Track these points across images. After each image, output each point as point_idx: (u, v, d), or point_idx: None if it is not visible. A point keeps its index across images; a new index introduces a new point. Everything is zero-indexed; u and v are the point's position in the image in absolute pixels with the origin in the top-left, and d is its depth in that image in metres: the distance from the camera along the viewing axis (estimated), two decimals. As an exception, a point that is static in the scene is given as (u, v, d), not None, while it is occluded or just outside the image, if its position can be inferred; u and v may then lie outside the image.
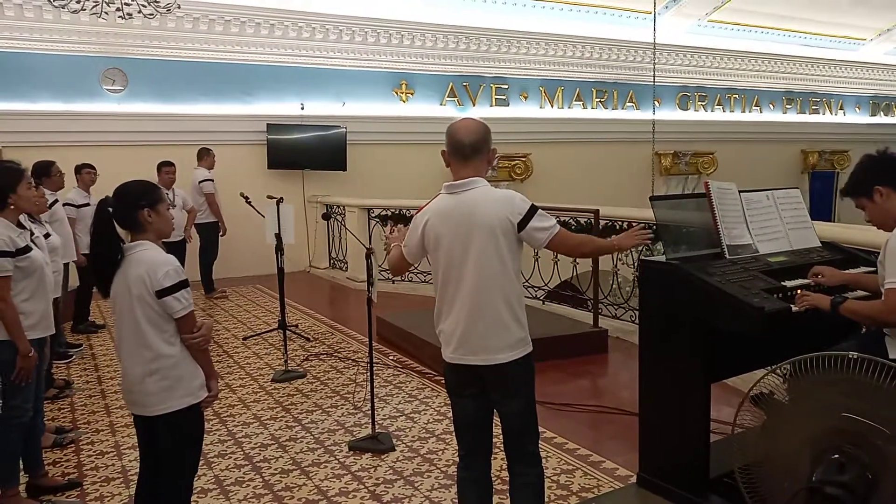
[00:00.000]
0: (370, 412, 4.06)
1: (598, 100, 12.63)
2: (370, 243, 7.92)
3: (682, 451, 3.06)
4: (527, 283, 6.62)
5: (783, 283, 2.87)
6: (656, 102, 11.49)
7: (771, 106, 14.80)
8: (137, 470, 2.72)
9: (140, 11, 7.48)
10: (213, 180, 8.03)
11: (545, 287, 7.10)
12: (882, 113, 16.50)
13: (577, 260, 6.29)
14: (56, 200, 5.59)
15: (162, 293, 2.39)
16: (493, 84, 11.61)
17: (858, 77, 15.87)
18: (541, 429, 2.65)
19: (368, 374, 4.16)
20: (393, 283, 8.25)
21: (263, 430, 4.17)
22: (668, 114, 13.11)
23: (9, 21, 8.27)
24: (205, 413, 2.63)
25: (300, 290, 8.29)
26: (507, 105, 11.72)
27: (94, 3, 7.15)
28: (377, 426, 4.05)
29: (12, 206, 3.16)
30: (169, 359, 2.45)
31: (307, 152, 9.79)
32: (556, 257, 6.90)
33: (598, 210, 6.02)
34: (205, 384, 2.55)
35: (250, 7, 9.43)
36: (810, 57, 14.87)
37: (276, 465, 3.68)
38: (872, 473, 2.19)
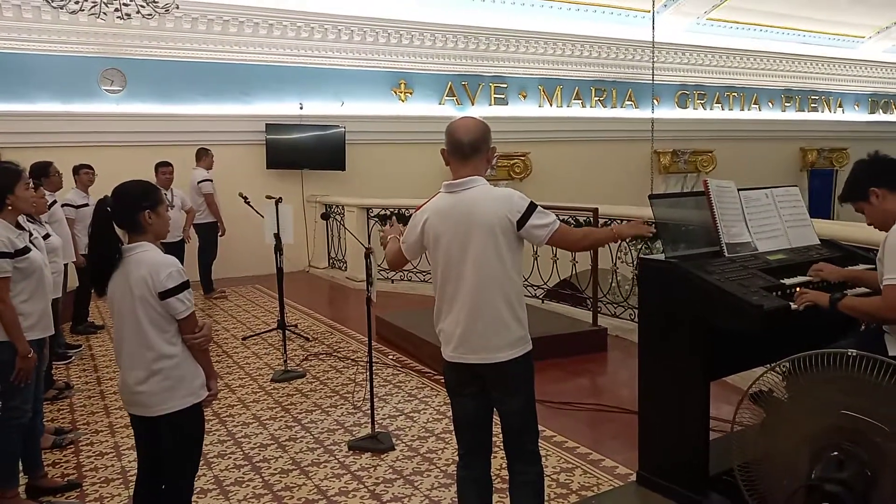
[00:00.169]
0: (370, 411, 4.06)
1: (596, 98, 12.63)
2: (369, 243, 7.91)
3: (682, 449, 3.06)
4: (526, 282, 6.62)
5: (782, 281, 2.87)
6: (655, 101, 11.49)
7: (770, 104, 14.81)
8: (136, 471, 2.72)
9: (138, 12, 7.48)
10: (211, 180, 8.03)
11: (544, 286, 7.10)
12: (881, 110, 16.51)
13: (577, 259, 6.30)
14: (55, 201, 5.58)
15: (165, 294, 2.39)
16: (492, 83, 11.60)
17: (857, 75, 15.87)
18: (540, 427, 2.65)
19: (368, 373, 4.16)
20: (392, 282, 8.26)
21: (263, 430, 4.17)
22: (667, 112, 13.12)
23: (7, 21, 8.26)
24: (204, 413, 2.64)
25: (299, 289, 8.29)
26: (506, 104, 11.72)
27: (93, 4, 7.15)
28: (377, 425, 4.05)
29: (10, 207, 3.16)
30: (172, 359, 2.45)
31: (306, 152, 9.78)
32: (556, 256, 6.91)
33: (597, 209, 6.02)
34: (205, 383, 2.56)
35: (249, 7, 9.43)
36: (809, 55, 14.87)
37: (276, 465, 3.68)
38: (871, 470, 2.19)
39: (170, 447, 2.52)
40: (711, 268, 2.89)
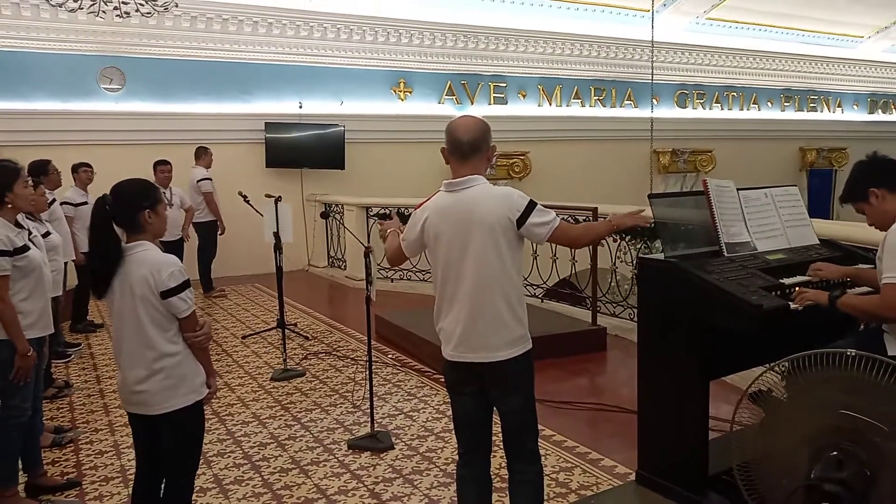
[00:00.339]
0: (369, 410, 4.06)
1: (596, 98, 12.63)
2: (369, 242, 7.92)
3: (681, 448, 3.06)
4: (525, 282, 6.61)
5: (781, 281, 2.87)
6: (654, 100, 11.50)
7: (769, 103, 14.81)
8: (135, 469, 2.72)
9: (138, 10, 7.47)
10: (211, 179, 8.03)
11: (544, 285, 7.10)
12: (880, 110, 16.52)
13: (576, 258, 6.30)
14: (55, 199, 5.58)
15: (167, 294, 2.39)
16: (492, 82, 11.60)
17: (856, 74, 15.88)
18: (540, 426, 2.65)
19: (367, 372, 4.16)
20: (392, 281, 8.27)
21: (262, 429, 4.17)
22: (667, 112, 13.13)
23: (6, 20, 8.26)
24: (204, 411, 2.64)
25: (299, 288, 8.29)
26: (506, 103, 11.72)
27: (92, 2, 7.13)
28: (376, 424, 4.05)
29: (9, 205, 3.16)
30: (173, 357, 2.46)
31: (305, 151, 9.78)
32: (555, 255, 6.91)
33: (596, 208, 6.02)
34: (205, 381, 2.57)
35: (248, 5, 9.42)
36: (808, 54, 14.88)
37: (276, 464, 3.68)
38: (871, 470, 2.19)
39: (171, 445, 2.52)
40: (710, 267, 2.89)
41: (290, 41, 9.87)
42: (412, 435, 4.02)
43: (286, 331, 5.72)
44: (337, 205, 9.24)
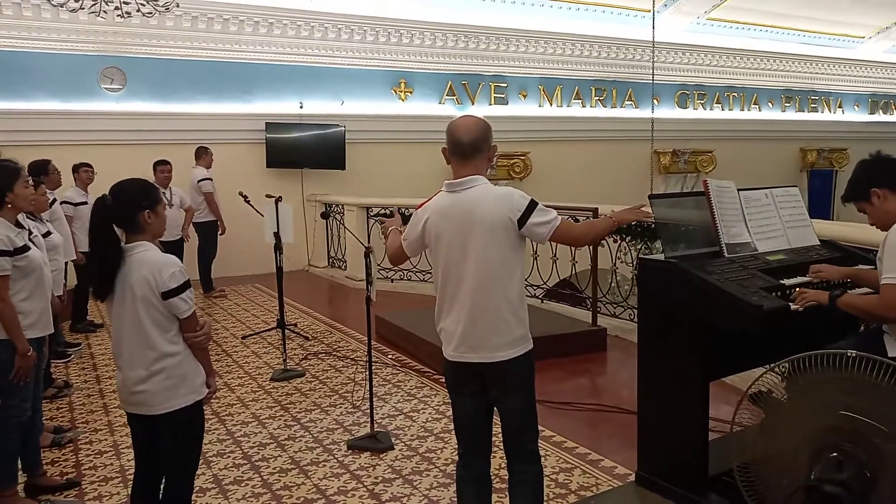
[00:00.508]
0: (369, 411, 4.06)
1: (596, 98, 12.63)
2: (369, 242, 7.92)
3: (681, 449, 3.06)
4: (526, 282, 6.59)
5: (782, 282, 2.87)
6: (655, 101, 11.48)
7: (770, 104, 14.81)
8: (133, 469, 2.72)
9: (139, 10, 7.48)
10: (211, 179, 8.03)
11: (544, 285, 7.10)
12: (881, 111, 16.51)
13: (576, 258, 6.30)
14: (55, 199, 5.58)
15: (168, 294, 2.39)
16: (492, 82, 11.60)
17: (857, 75, 15.87)
18: (540, 427, 2.65)
19: (367, 372, 4.16)
20: (392, 282, 8.27)
21: (262, 429, 4.17)
22: (667, 112, 13.12)
23: (7, 20, 8.26)
24: (204, 412, 2.64)
25: (299, 289, 8.28)
26: (506, 103, 11.71)
27: (93, 2, 7.13)
28: (376, 425, 4.05)
29: (10, 205, 3.16)
30: (174, 357, 2.46)
31: (306, 151, 9.78)
32: (555, 256, 6.90)
33: (596, 209, 6.02)
34: (205, 381, 2.57)
35: (249, 5, 9.42)
36: (809, 55, 14.87)
37: (275, 464, 3.68)
38: (871, 471, 2.19)
39: (170, 446, 2.52)
40: (711, 268, 2.89)
41: (290, 41, 9.87)
42: (412, 435, 4.02)
43: (286, 331, 5.72)
44: (337, 205, 9.24)
